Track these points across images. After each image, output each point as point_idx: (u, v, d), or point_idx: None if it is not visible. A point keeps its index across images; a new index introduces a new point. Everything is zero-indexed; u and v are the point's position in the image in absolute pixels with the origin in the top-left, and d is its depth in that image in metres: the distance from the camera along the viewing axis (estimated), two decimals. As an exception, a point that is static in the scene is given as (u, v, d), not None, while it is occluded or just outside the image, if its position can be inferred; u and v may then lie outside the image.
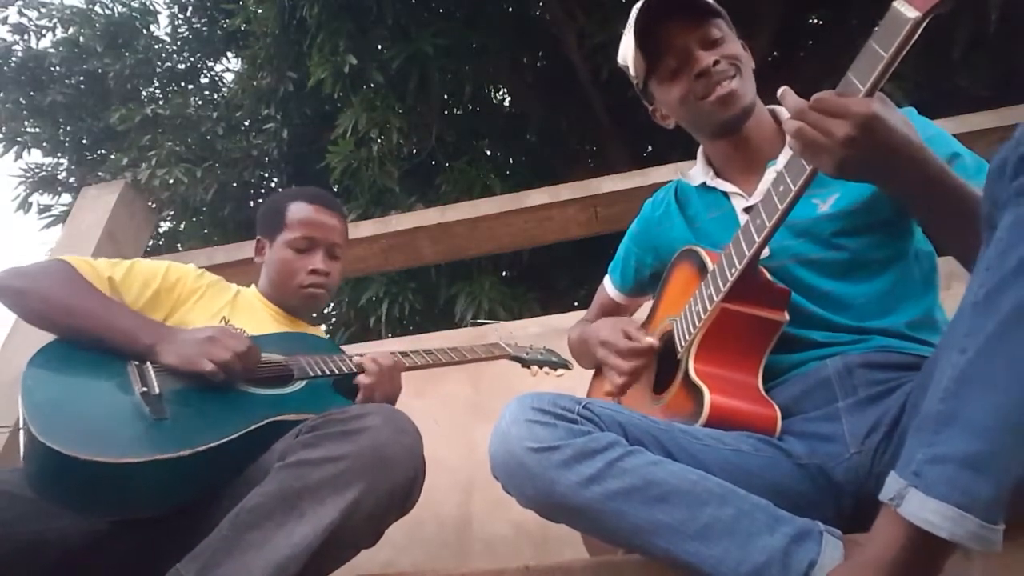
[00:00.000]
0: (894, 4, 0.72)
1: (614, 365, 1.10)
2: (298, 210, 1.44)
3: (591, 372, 1.36)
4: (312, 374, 1.21)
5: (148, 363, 1.10)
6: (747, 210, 1.09)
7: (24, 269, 1.20)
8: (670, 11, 1.07)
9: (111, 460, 0.90)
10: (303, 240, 1.41)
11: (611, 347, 1.11)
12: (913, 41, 0.71)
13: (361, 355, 1.29)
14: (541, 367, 1.59)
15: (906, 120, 0.81)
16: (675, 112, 1.16)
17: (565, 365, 1.60)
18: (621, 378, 1.09)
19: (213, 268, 2.61)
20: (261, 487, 0.90)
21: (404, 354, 1.37)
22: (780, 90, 0.85)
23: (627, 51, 1.14)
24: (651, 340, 1.07)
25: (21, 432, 0.96)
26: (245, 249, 2.74)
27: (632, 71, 1.16)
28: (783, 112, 1.15)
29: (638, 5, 1.09)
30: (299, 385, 1.19)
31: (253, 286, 1.50)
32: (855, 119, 0.77)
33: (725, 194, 1.15)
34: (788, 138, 0.85)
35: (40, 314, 1.14)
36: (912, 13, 0.70)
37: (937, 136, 1.01)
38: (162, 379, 1.08)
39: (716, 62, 1.05)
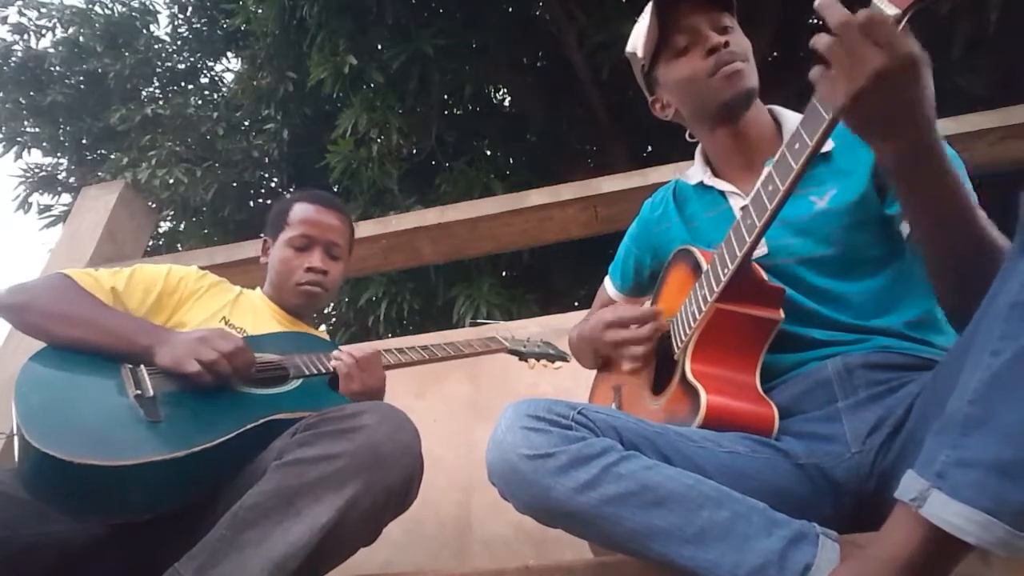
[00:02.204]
0: (874, 1, 0.72)
1: (630, 338, 1.08)
2: (300, 210, 1.46)
3: (590, 372, 1.36)
4: (307, 372, 1.21)
5: (142, 366, 1.10)
6: (744, 209, 1.09)
7: (24, 285, 1.21)
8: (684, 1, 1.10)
9: (105, 463, 0.90)
10: (301, 238, 1.43)
11: (620, 323, 1.10)
12: None
13: None
14: (539, 360, 1.58)
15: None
16: (679, 93, 1.16)
17: (563, 357, 1.60)
18: (641, 347, 1.07)
19: (213, 268, 2.61)
20: (258, 486, 0.90)
21: (400, 351, 1.37)
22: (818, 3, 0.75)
23: (638, 33, 1.17)
24: (653, 307, 1.08)
25: (15, 438, 0.96)
26: (245, 249, 2.74)
27: (640, 52, 1.17)
28: (781, 112, 1.15)
29: None
30: (295, 384, 1.19)
31: (258, 288, 1.52)
32: (892, 53, 0.69)
33: (722, 193, 1.15)
34: (815, 65, 0.76)
35: (39, 327, 1.14)
36: (892, 10, 0.70)
37: None
38: (156, 382, 1.08)
39: (726, 43, 1.08)
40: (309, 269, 1.41)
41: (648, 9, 1.13)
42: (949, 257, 0.86)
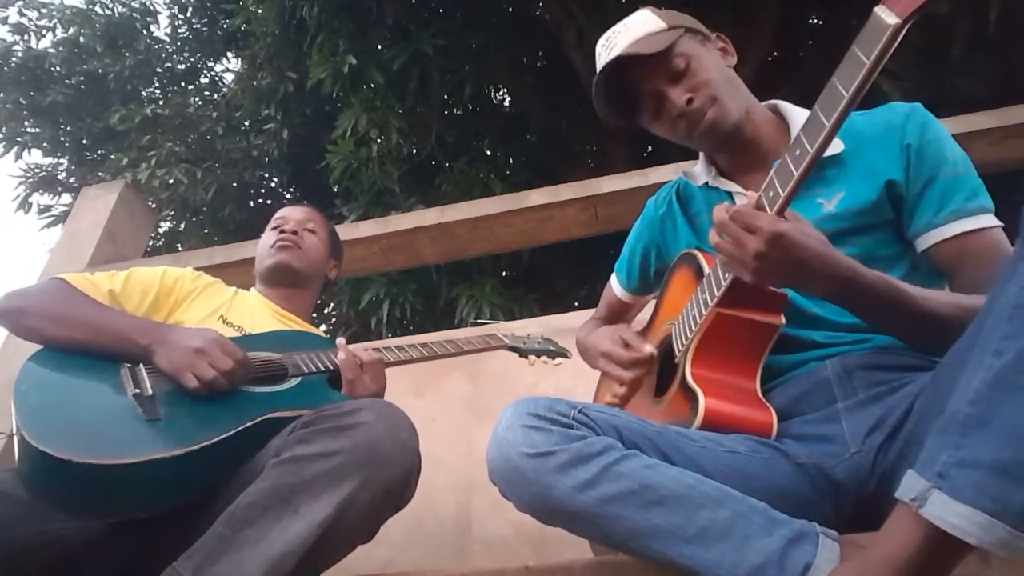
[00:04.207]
0: (875, 10, 0.72)
1: (616, 376, 1.10)
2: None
3: (591, 371, 1.36)
4: (306, 371, 1.21)
5: (141, 365, 1.10)
6: None
7: (21, 290, 1.22)
8: (629, 60, 1.07)
9: (105, 462, 0.90)
10: (273, 223, 1.58)
11: (612, 358, 1.11)
12: (895, 46, 0.71)
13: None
14: (539, 356, 1.57)
15: (819, 236, 0.86)
16: (670, 140, 1.17)
17: (563, 354, 1.59)
18: (622, 388, 1.10)
19: (213, 268, 2.63)
20: (256, 484, 0.89)
21: (400, 348, 1.37)
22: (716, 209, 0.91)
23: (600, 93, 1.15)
24: (650, 348, 1.07)
25: (15, 438, 0.96)
26: (245, 249, 2.74)
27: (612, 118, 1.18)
28: (786, 107, 1.15)
29: (598, 76, 1.11)
30: (293, 382, 1.19)
31: (253, 288, 1.54)
32: (762, 235, 0.83)
33: (729, 193, 1.14)
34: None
35: (36, 330, 1.15)
36: (892, 20, 0.70)
37: (934, 143, 1.01)
38: (155, 380, 1.08)
39: (689, 100, 1.06)
40: (281, 231, 1.52)
41: (596, 89, 1.12)
42: (905, 341, 0.96)
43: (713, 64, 1.10)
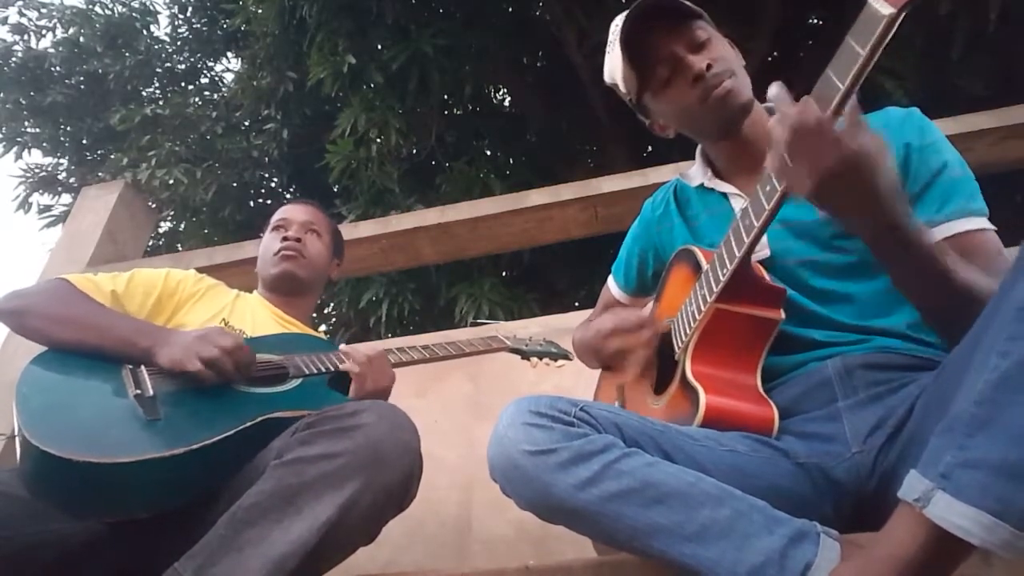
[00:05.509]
0: (869, 1, 0.72)
1: (633, 344, 1.08)
2: (277, 211, 1.62)
3: (592, 371, 1.36)
4: (307, 372, 1.21)
5: (142, 366, 1.11)
6: (743, 210, 1.09)
7: (23, 290, 1.23)
8: (652, 20, 1.06)
9: (105, 460, 0.91)
10: (277, 222, 1.56)
11: (621, 330, 1.10)
12: (890, 37, 0.71)
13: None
14: (541, 358, 1.58)
15: (893, 170, 0.80)
16: (674, 120, 1.15)
17: (565, 355, 1.59)
18: (644, 351, 1.07)
19: (213, 268, 2.63)
20: (258, 485, 0.90)
21: (402, 350, 1.38)
22: (773, 87, 0.81)
23: (615, 68, 1.12)
24: (647, 310, 1.08)
25: (16, 438, 0.96)
26: (245, 249, 2.74)
27: (623, 87, 1.14)
28: None
29: (619, 20, 1.09)
30: (294, 383, 1.19)
31: (255, 291, 1.54)
32: (844, 153, 0.75)
33: (724, 195, 1.15)
34: (771, 141, 0.80)
35: (38, 331, 1.15)
36: (887, 10, 0.70)
37: (933, 145, 1.01)
38: (156, 381, 1.08)
39: (709, 66, 1.04)
40: (284, 238, 1.50)
41: (616, 39, 1.09)
42: (929, 310, 0.92)
43: (729, 50, 1.10)
